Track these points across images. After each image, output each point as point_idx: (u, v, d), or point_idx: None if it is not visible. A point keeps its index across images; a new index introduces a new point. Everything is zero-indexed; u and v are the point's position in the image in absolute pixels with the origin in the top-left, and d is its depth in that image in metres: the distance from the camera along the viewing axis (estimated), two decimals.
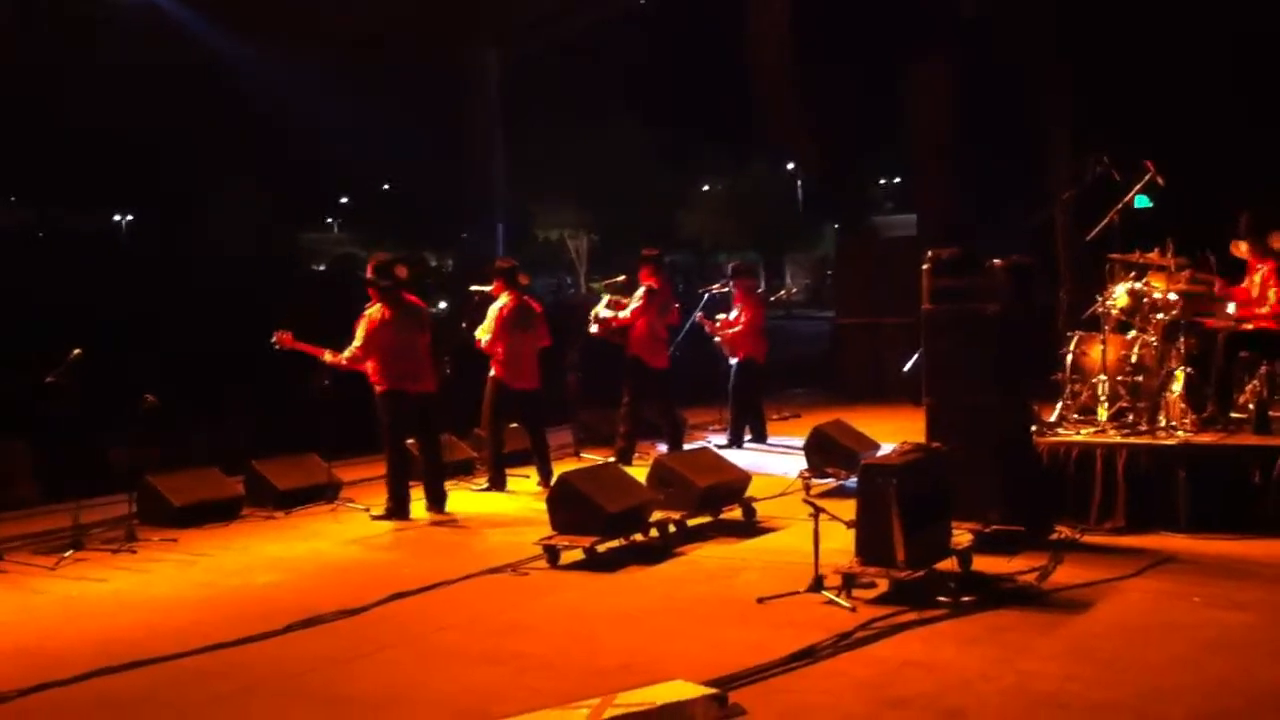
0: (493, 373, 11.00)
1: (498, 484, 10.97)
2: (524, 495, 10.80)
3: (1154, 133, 12.75)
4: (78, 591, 7.87)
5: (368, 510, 10.01)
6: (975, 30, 17.18)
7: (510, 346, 10.93)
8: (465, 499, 10.59)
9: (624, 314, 12.23)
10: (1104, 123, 14.55)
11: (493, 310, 11.04)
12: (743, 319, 13.20)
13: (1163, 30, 14.40)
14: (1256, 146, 13.46)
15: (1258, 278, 9.39)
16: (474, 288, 11.86)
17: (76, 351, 8.99)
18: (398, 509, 9.81)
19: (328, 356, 9.89)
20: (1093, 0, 15.48)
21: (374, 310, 9.84)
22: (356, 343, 9.78)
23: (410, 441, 10.11)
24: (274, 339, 9.90)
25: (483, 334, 11.01)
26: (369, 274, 10.13)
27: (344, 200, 46.43)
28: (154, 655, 6.32)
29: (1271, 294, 9.23)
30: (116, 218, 39.41)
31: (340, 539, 9.29)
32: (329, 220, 48.96)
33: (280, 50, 25.53)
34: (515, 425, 11.37)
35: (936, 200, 18.52)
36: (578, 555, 8.09)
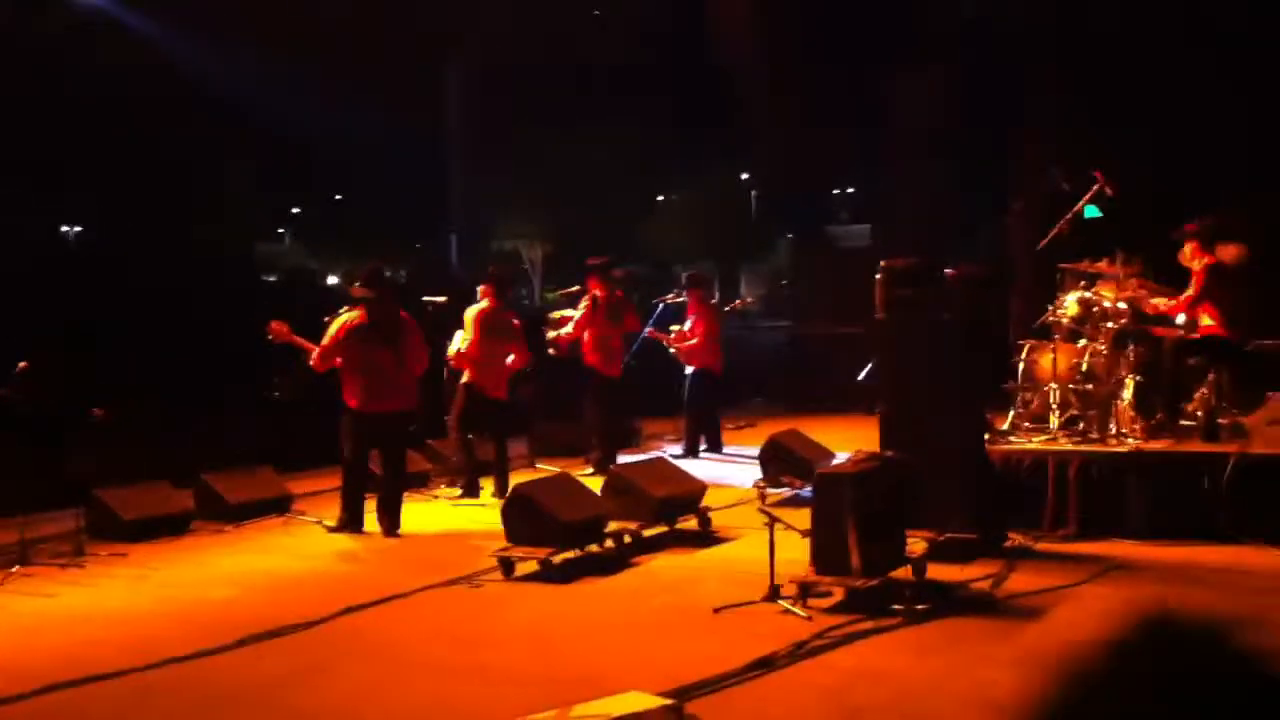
0: (466, 378, 10.93)
1: (471, 491, 10.91)
2: (477, 507, 10.74)
3: (1105, 142, 12.90)
4: (27, 607, 7.75)
5: (320, 522, 9.91)
6: (943, 42, 17.31)
7: (485, 353, 10.88)
8: (419, 511, 10.52)
9: (567, 329, 12.22)
10: (1058, 131, 14.68)
11: (470, 312, 10.97)
12: (698, 330, 13.22)
13: (1129, 39, 14.56)
14: (1212, 157, 13.62)
15: (1193, 278, 9.49)
16: (427, 298, 11.81)
17: (22, 364, 8.86)
18: (350, 521, 9.67)
19: (313, 356, 9.68)
20: (1066, 12, 15.63)
21: (350, 315, 9.59)
22: (323, 341, 9.52)
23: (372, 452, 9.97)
24: (269, 331, 9.62)
25: (463, 342, 10.92)
26: (359, 280, 9.87)
27: (295, 211, 46.09)
28: (108, 670, 6.24)
29: (1190, 287, 9.35)
30: (64, 229, 38.94)
31: (293, 552, 9.21)
32: (279, 231, 48.59)
33: (230, 55, 25.36)
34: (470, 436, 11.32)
35: (890, 210, 18.65)
36: (533, 567, 8.05)
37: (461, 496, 10.88)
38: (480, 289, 11.19)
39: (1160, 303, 9.75)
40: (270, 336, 9.67)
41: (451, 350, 11.13)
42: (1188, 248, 9.57)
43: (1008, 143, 16.37)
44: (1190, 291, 9.39)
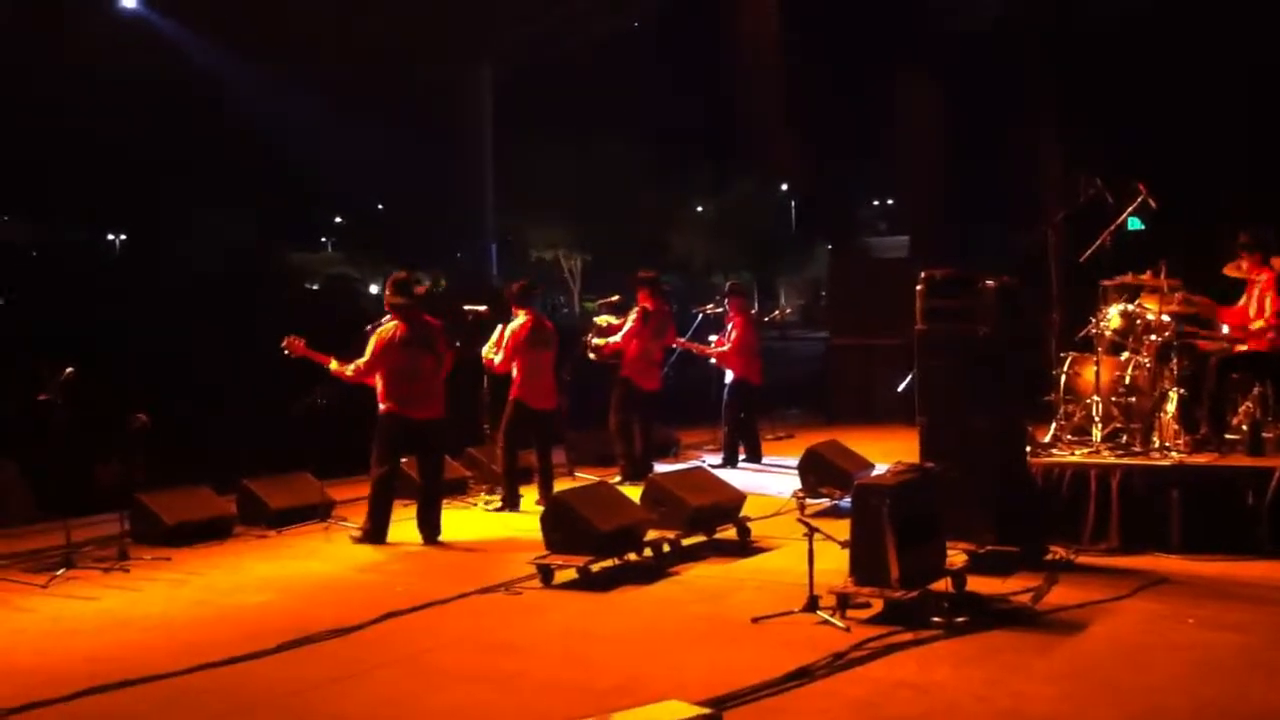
0: (514, 393, 10.97)
1: (512, 504, 10.91)
2: (518, 515, 10.76)
3: (1148, 155, 12.83)
4: (69, 610, 7.83)
5: (357, 530, 9.93)
6: (967, 51, 17.28)
7: (529, 366, 10.92)
8: (457, 518, 10.56)
9: (616, 338, 12.23)
10: (1097, 144, 14.63)
11: (507, 329, 11.02)
12: (731, 337, 13.21)
13: (1161, 52, 14.50)
14: (1252, 169, 13.54)
15: (1256, 290, 9.38)
16: (468, 307, 11.86)
17: (69, 370, 8.96)
18: (374, 532, 9.63)
19: (334, 365, 9.79)
20: (1088, 23, 15.57)
21: (387, 328, 9.68)
22: (365, 358, 9.65)
23: (405, 461, 10.05)
24: (284, 344, 9.77)
25: (490, 353, 11.01)
26: (388, 291, 9.98)
27: (338, 220, 46.43)
28: (146, 674, 6.29)
29: (1269, 304, 9.23)
30: (110, 236, 39.39)
31: (333, 558, 9.26)
32: (322, 240, 48.95)
33: (274, 70, 25.60)
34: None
35: (928, 221, 18.60)
36: (571, 575, 8.06)
37: (501, 508, 10.89)
38: (513, 308, 11.22)
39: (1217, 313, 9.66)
40: (286, 351, 9.77)
41: (485, 351, 11.15)
42: (1244, 261, 9.47)
43: (1044, 157, 16.33)
44: (1273, 307, 9.21)
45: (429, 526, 9.78)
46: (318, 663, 6.57)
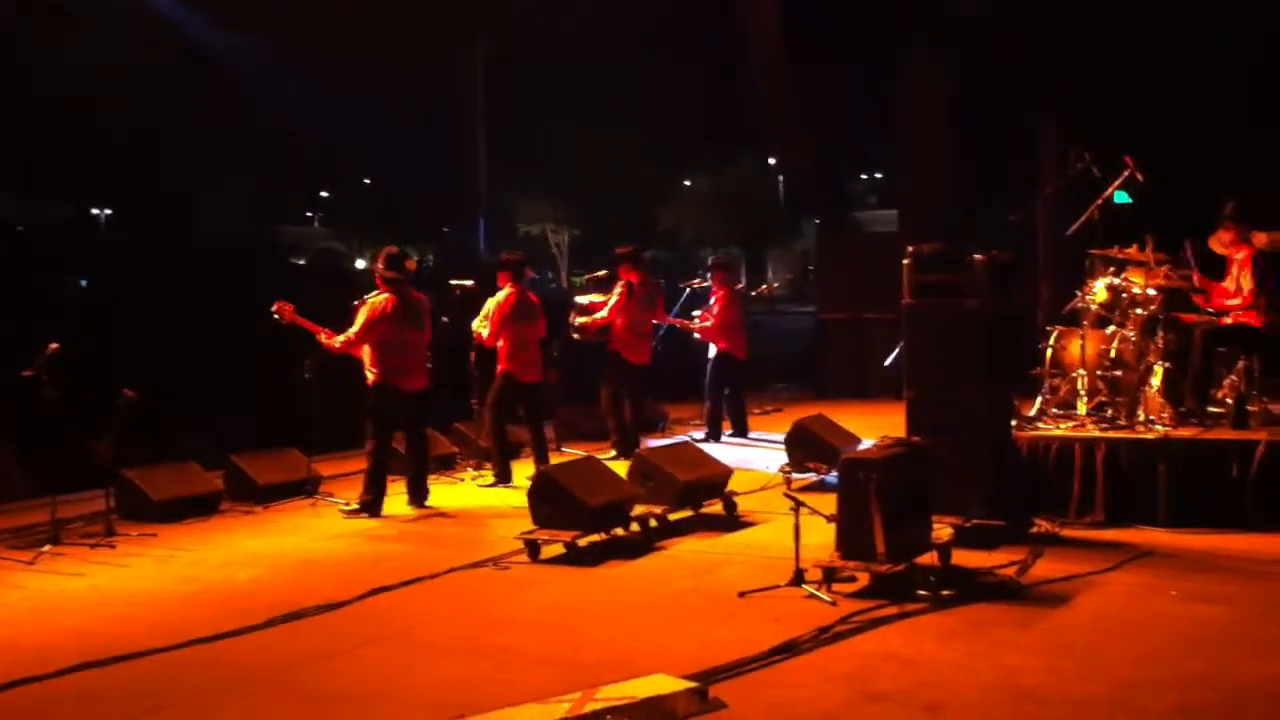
0: (501, 367, 10.97)
1: (504, 478, 10.91)
2: (510, 490, 10.76)
3: (1138, 130, 12.83)
4: (56, 586, 7.83)
5: (347, 504, 9.96)
6: (966, 30, 17.25)
7: (515, 339, 10.92)
8: (448, 493, 10.57)
9: (602, 313, 12.21)
10: (1089, 119, 14.63)
11: (492, 302, 11.01)
12: (719, 313, 13.19)
13: (1156, 30, 14.51)
14: (1243, 145, 13.55)
15: (1235, 267, 9.42)
16: (455, 282, 11.83)
17: (53, 345, 8.93)
18: (372, 504, 9.73)
19: (323, 337, 9.81)
20: (1088, 2, 15.59)
21: (379, 300, 9.77)
22: (355, 328, 9.72)
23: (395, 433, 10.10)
24: (274, 309, 9.78)
25: (480, 327, 11.01)
26: (379, 264, 10.11)
27: (324, 195, 46.28)
28: (134, 650, 6.30)
29: (1245, 282, 9.28)
30: (94, 211, 39.20)
31: (321, 534, 9.27)
32: (309, 215, 48.80)
33: (261, 44, 25.44)
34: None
35: (920, 195, 18.58)
36: (559, 550, 8.08)
37: (495, 484, 10.89)
38: (499, 277, 11.20)
39: (1201, 284, 9.69)
40: (276, 315, 9.78)
41: (475, 324, 11.15)
42: (1225, 235, 9.50)
43: (1037, 129, 16.32)
44: (1250, 284, 9.27)
45: (418, 493, 10.00)
46: (307, 638, 6.58)
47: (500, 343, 10.93)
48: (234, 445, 10.97)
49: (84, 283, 21.15)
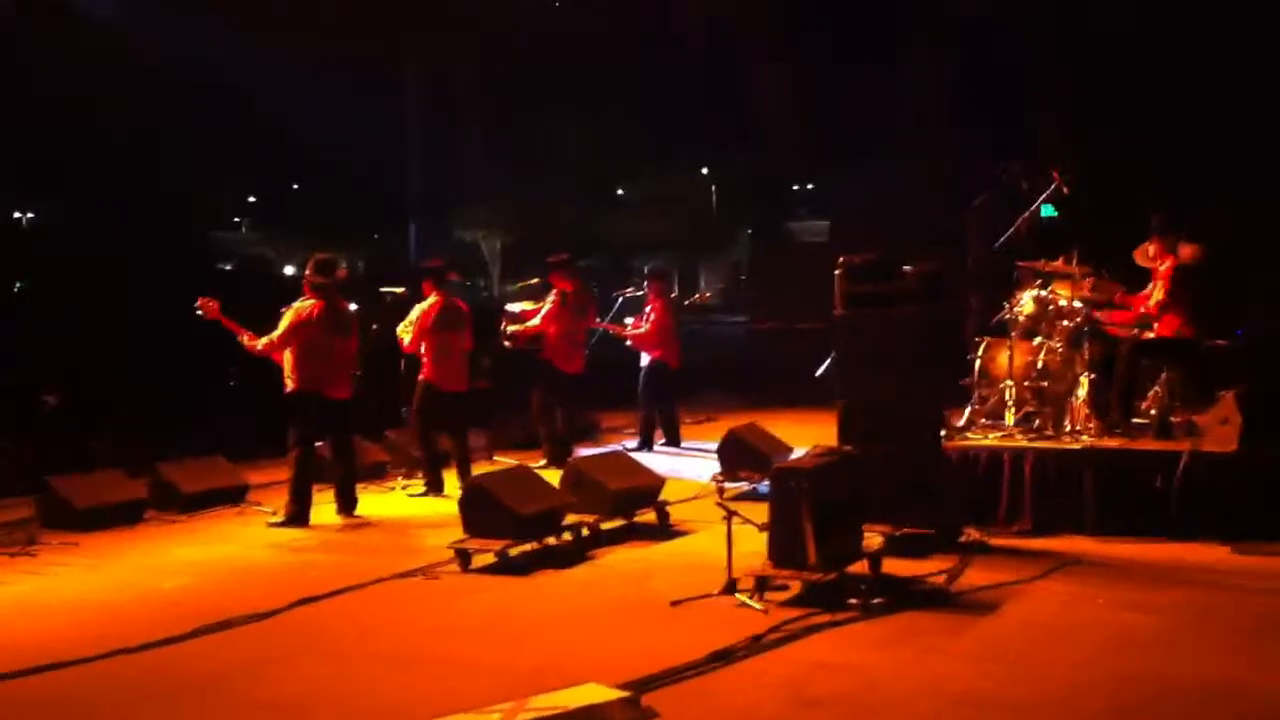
0: (423, 375, 10.87)
1: (435, 487, 10.79)
2: (441, 499, 10.67)
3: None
4: None
5: (273, 513, 9.82)
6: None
7: (439, 348, 10.82)
8: (377, 502, 10.47)
9: (534, 321, 12.17)
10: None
11: (417, 310, 10.92)
12: (653, 322, 13.19)
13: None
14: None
15: (1157, 280, 9.57)
16: (384, 289, 11.75)
17: None
18: (298, 515, 9.59)
19: (245, 339, 9.66)
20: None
21: (304, 305, 9.63)
22: (278, 332, 9.56)
23: (320, 445, 9.99)
24: (198, 305, 9.64)
25: (404, 333, 10.90)
26: (309, 270, 9.94)
27: (251, 200, 45.69)
28: (59, 660, 6.18)
29: (1159, 291, 9.44)
30: (16, 215, 38.43)
31: (248, 542, 9.14)
32: (236, 220, 48.16)
33: (185, 35, 25.03)
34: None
35: (850, 205, 18.75)
36: (490, 559, 8.03)
37: (425, 493, 10.79)
38: (423, 285, 11.11)
39: (1121, 300, 9.85)
40: (200, 313, 9.64)
41: (400, 329, 11.04)
42: (1150, 247, 9.66)
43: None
44: (1159, 296, 9.44)
45: (346, 501, 9.88)
46: (235, 648, 6.49)
47: (423, 351, 10.84)
48: (161, 452, 10.79)
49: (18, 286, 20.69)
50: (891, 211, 18.12)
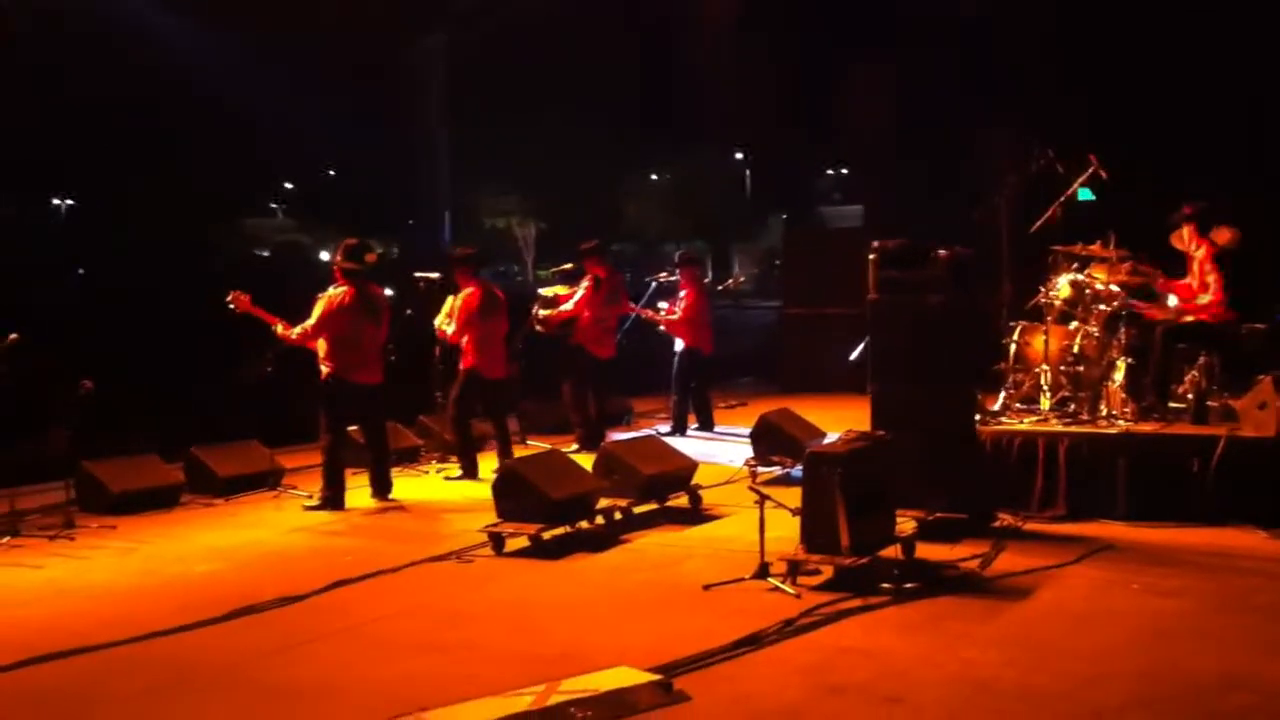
0: (465, 363, 10.90)
1: (470, 473, 10.83)
2: (476, 483, 10.70)
3: (1098, 129, 12.91)
4: (14, 579, 7.73)
5: (309, 497, 9.88)
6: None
7: (481, 336, 10.85)
8: (412, 486, 10.52)
9: (568, 306, 12.19)
10: (1049, 116, 14.72)
11: (456, 300, 10.94)
12: (686, 307, 13.17)
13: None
14: (1202, 142, 13.66)
15: (1195, 265, 9.48)
16: (419, 274, 11.77)
17: (12, 336, 8.83)
18: (333, 499, 9.66)
19: (280, 328, 9.70)
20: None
21: (336, 292, 9.67)
22: (311, 320, 9.62)
23: (353, 429, 10.04)
24: (229, 299, 9.73)
25: (445, 325, 10.93)
26: (338, 256, 9.99)
27: (288, 186, 45.97)
28: (91, 644, 6.23)
29: (1211, 280, 9.32)
30: (55, 202, 38.80)
31: (282, 527, 9.20)
32: (272, 206, 48.47)
33: (227, 35, 25.24)
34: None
35: (881, 192, 18.65)
36: (523, 543, 8.06)
37: (461, 477, 10.82)
38: (457, 275, 11.13)
39: (1164, 287, 9.75)
40: (231, 305, 9.71)
41: (438, 321, 11.09)
42: (1185, 231, 9.56)
43: (999, 125, 16.39)
44: (1214, 285, 9.30)
45: (381, 485, 9.92)
46: (265, 632, 6.53)
47: (465, 340, 10.87)
48: (198, 438, 10.86)
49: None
50: (923, 199, 18.01)
